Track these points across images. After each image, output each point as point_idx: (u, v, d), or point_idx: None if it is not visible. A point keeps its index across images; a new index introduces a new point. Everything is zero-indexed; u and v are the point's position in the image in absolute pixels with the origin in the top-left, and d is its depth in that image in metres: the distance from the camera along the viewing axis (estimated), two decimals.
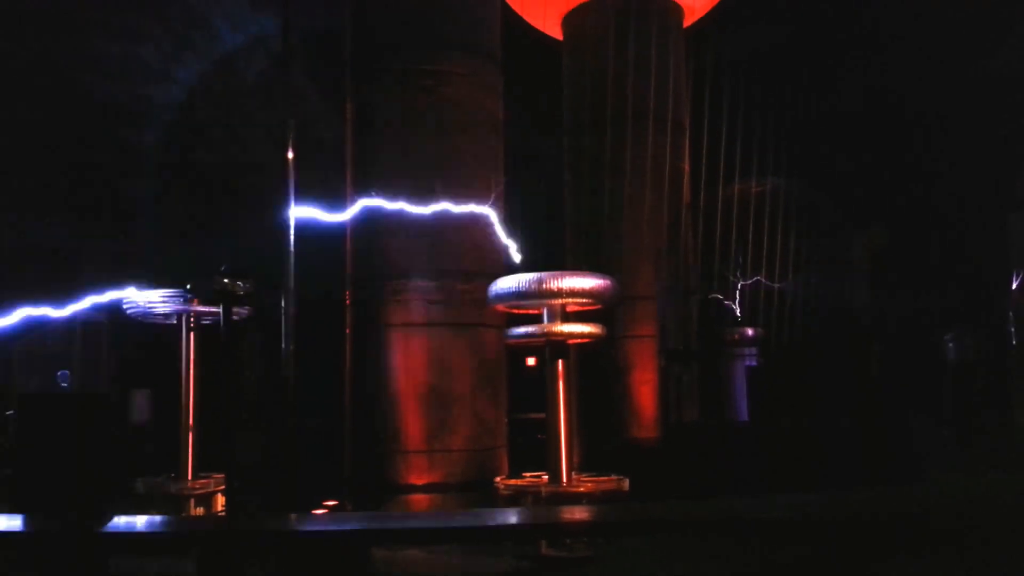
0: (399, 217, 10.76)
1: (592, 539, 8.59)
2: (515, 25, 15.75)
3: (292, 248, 9.60)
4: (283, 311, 9.53)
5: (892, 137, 21.61)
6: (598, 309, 9.85)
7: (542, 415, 9.72)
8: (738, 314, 18.03)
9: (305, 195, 9.94)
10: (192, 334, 10.79)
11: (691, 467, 11.61)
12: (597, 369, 13.97)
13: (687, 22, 16.12)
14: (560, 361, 9.55)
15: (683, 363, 14.76)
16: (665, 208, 14.79)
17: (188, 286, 10.37)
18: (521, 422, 12.46)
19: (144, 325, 11.24)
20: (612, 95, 14.80)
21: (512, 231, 11.51)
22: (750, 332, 17.66)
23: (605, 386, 14.30)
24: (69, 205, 18.77)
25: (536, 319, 9.63)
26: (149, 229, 19.68)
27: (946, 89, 21.02)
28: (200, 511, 10.49)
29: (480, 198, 11.03)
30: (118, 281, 10.75)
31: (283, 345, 9.50)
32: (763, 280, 17.88)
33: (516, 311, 10.09)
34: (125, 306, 10.72)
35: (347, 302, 11.40)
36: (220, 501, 10.62)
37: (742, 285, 18.04)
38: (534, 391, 10.65)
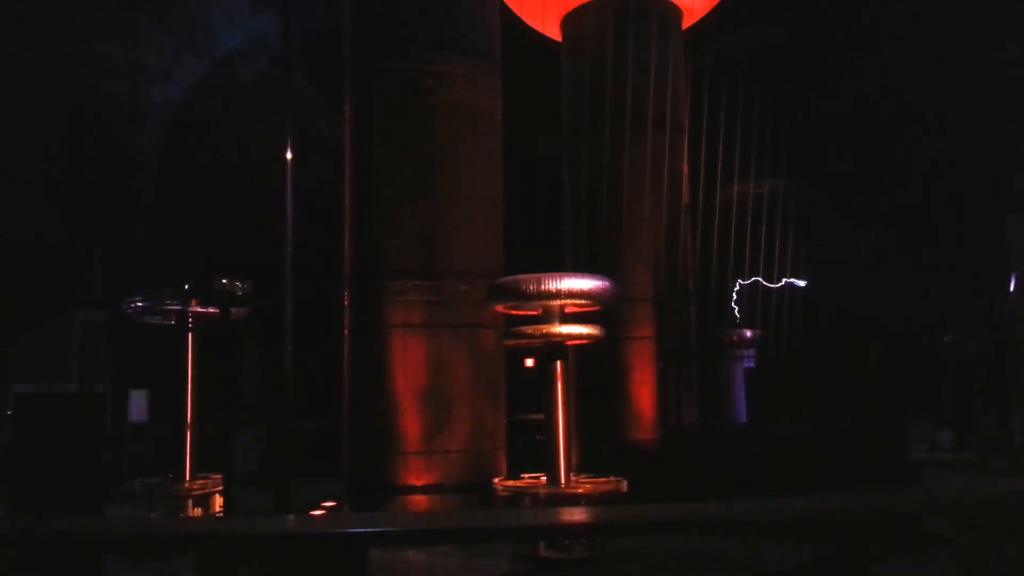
0: (398, 217, 10.76)
1: (591, 540, 8.60)
2: (514, 26, 15.73)
3: (291, 248, 9.61)
4: (282, 311, 9.53)
5: (892, 137, 21.61)
6: (597, 310, 9.85)
7: (541, 416, 9.71)
8: (737, 315, 18.02)
9: (304, 195, 9.93)
10: (191, 334, 10.79)
11: (690, 469, 11.61)
12: (596, 370, 13.97)
13: (686, 23, 16.09)
14: (558, 362, 9.55)
15: (682, 364, 14.74)
16: (664, 209, 14.76)
17: (188, 286, 10.36)
18: (520, 423, 12.44)
19: (143, 325, 11.23)
20: (611, 96, 14.77)
21: (511, 232, 11.52)
22: (748, 334, 17.66)
23: (604, 387, 14.28)
24: (69, 205, 18.79)
25: (535, 320, 9.63)
26: (149, 229, 19.70)
27: (946, 89, 21.02)
28: (198, 512, 10.49)
29: (479, 198, 11.03)
30: (118, 281, 10.76)
31: (282, 345, 9.50)
32: (762, 281, 17.86)
33: (515, 312, 10.09)
34: (125, 306, 10.72)
35: (345, 303, 11.40)
36: (218, 502, 10.62)
37: (741, 286, 18.02)
38: (533, 392, 10.65)
